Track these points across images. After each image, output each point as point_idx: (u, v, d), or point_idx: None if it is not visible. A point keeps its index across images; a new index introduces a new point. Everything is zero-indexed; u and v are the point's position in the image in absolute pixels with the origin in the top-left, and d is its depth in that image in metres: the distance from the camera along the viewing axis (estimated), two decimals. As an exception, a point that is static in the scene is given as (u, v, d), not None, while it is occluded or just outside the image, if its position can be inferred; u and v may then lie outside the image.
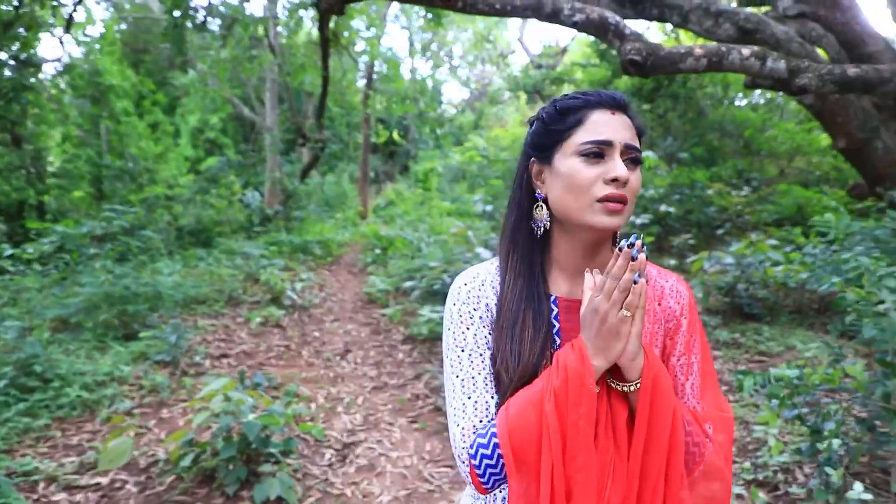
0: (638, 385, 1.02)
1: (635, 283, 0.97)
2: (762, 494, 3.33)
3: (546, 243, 1.16)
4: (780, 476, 3.57)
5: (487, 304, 1.16)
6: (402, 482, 3.59)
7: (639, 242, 0.97)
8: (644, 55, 2.75)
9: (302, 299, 7.43)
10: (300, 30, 12.12)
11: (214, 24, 10.10)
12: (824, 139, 9.37)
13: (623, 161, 1.07)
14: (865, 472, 3.36)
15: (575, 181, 1.06)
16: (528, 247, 1.16)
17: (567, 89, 14.59)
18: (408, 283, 7.34)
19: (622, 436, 1.03)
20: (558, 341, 1.12)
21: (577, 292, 1.15)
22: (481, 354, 1.13)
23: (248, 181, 15.51)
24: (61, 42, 8.54)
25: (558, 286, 1.16)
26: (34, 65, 9.12)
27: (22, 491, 3.25)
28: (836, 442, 3.09)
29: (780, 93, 8.76)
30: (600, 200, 1.04)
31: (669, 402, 1.02)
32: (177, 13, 8.35)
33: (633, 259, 0.97)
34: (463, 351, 1.14)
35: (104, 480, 3.43)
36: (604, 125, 1.08)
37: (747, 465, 3.65)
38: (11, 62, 9.07)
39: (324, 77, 10.05)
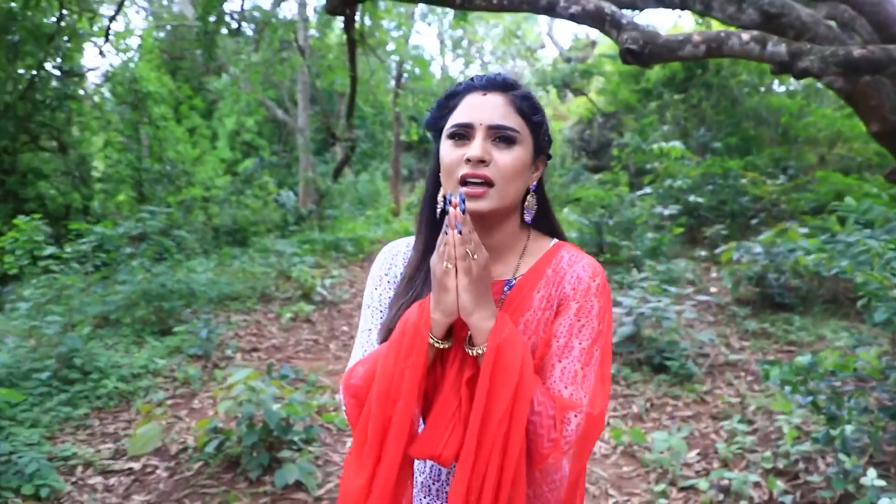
0: (483, 350, 1.02)
1: (445, 234, 0.99)
2: (780, 483, 3.31)
3: None
4: (801, 465, 3.54)
5: (396, 274, 1.25)
6: (419, 469, 3.69)
7: (454, 199, 0.99)
8: (641, 44, 2.77)
9: (332, 295, 7.59)
10: (331, 31, 12.32)
11: (248, 29, 10.36)
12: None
13: (492, 141, 1.09)
14: (890, 461, 3.31)
15: (444, 163, 1.11)
16: (430, 224, 1.20)
17: (597, 82, 14.47)
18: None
19: (466, 397, 1.04)
20: None
21: None
22: (381, 312, 1.22)
23: (282, 181, 15.83)
24: (101, 52, 8.93)
25: None
26: (77, 74, 9.51)
27: (61, 474, 3.45)
28: (849, 428, 3.06)
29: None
30: (461, 182, 1.08)
31: (513, 373, 1.00)
32: (212, 19, 8.59)
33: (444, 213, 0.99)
34: (368, 308, 1.25)
35: (136, 465, 3.61)
36: (469, 107, 1.11)
37: (767, 454, 3.63)
38: (56, 73, 9.49)
39: (352, 77, 10.22)
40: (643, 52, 2.77)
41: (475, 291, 1.00)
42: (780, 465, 3.54)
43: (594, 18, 2.85)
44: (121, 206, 11.38)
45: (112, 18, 9.16)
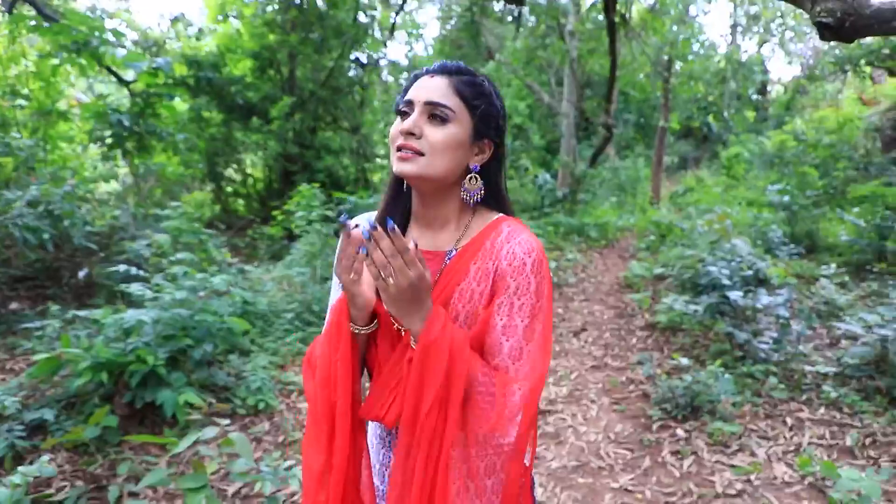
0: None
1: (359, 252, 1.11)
2: None
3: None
4: None
5: None
6: (577, 454, 3.70)
7: (350, 223, 1.09)
8: (839, 16, 2.35)
9: (556, 278, 7.70)
10: (596, 15, 12.19)
11: (511, 15, 10.78)
12: None
13: (426, 117, 1.17)
14: None
15: (391, 136, 1.22)
16: (393, 194, 1.31)
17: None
18: (660, 270, 7.09)
19: (406, 374, 1.14)
20: None
21: (422, 242, 1.28)
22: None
23: (547, 164, 16.17)
24: (385, 43, 10.22)
25: (412, 235, 1.30)
26: (363, 64, 10.93)
27: (279, 395, 4.22)
28: None
29: None
30: (398, 150, 1.18)
31: (438, 372, 1.09)
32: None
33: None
34: (333, 282, 1.39)
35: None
36: (415, 88, 1.21)
37: None
38: (349, 64, 11.03)
39: (612, 61, 10.06)
40: (842, 26, 2.37)
41: (398, 303, 1.11)
42: None
43: (780, -10, 2.49)
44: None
45: (397, 13, 10.34)
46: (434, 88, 1.20)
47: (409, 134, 1.18)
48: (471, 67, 1.27)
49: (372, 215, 1.40)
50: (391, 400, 1.18)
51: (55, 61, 7.48)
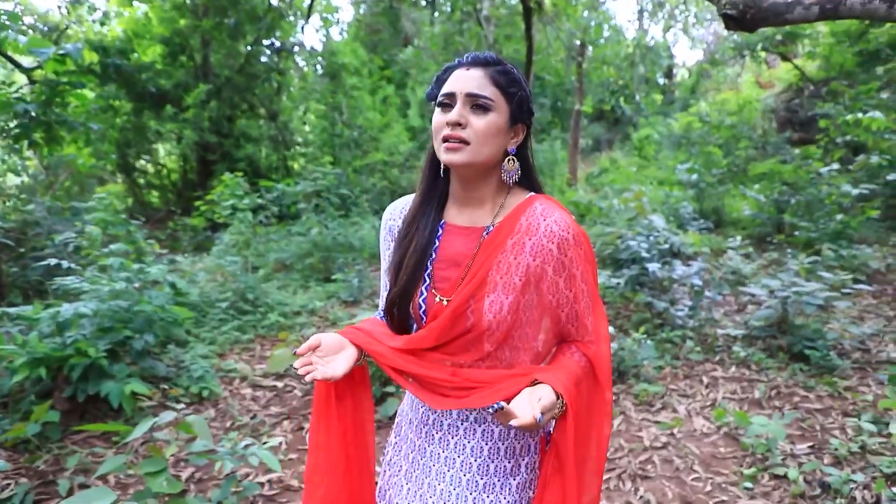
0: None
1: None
2: (893, 489, 3.03)
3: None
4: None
5: (391, 227, 1.47)
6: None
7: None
8: (741, 8, 2.63)
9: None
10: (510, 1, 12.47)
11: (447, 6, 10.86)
12: None
13: (469, 107, 1.26)
14: None
15: (434, 127, 1.30)
16: (431, 179, 1.40)
17: (805, 44, 13.01)
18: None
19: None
20: (434, 256, 1.37)
21: (460, 219, 1.38)
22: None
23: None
24: (302, 29, 10.06)
25: (450, 214, 1.40)
26: (280, 50, 10.74)
27: (221, 383, 4.22)
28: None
29: None
30: (444, 141, 1.27)
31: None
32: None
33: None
34: (382, 260, 1.50)
35: (279, 384, 4.27)
36: (454, 80, 1.28)
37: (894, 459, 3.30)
38: (266, 49, 10.82)
39: (528, 46, 10.34)
40: (744, 18, 2.64)
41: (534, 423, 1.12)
42: (905, 470, 3.21)
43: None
44: (323, 167, 12.68)
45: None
46: (473, 80, 1.26)
47: (455, 125, 1.25)
48: (501, 57, 1.34)
49: (406, 200, 1.48)
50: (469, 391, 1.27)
51: (-53, 47, 6.96)
